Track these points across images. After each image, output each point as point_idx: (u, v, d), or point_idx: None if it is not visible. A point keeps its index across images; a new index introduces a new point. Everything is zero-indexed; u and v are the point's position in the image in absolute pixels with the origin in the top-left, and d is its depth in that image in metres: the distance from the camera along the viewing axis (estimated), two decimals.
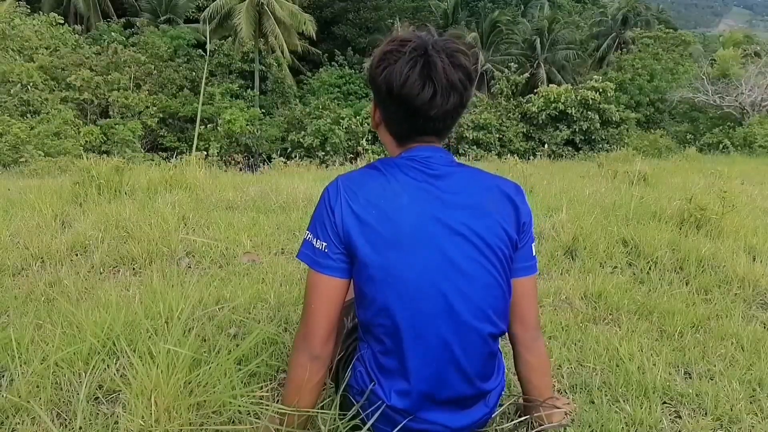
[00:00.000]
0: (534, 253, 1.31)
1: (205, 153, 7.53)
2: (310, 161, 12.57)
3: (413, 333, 1.17)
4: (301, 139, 19.25)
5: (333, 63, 32.40)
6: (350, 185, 1.20)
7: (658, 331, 2.08)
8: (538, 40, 32.31)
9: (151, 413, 1.23)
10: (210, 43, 23.51)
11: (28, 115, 16.15)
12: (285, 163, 9.59)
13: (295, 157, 15.48)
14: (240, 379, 1.38)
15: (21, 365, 1.53)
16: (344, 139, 18.75)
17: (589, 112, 19.14)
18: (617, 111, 19.61)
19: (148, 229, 2.84)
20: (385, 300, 1.16)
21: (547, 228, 3.22)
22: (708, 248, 2.89)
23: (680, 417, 1.54)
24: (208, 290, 2.12)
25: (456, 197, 1.20)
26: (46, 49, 19.56)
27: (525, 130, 19.99)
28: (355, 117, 19.53)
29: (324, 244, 1.19)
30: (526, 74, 22.87)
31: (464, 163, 1.32)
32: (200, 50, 25.86)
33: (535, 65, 31.18)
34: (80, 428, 1.33)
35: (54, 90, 17.84)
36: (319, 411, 1.26)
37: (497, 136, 19.26)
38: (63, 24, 22.03)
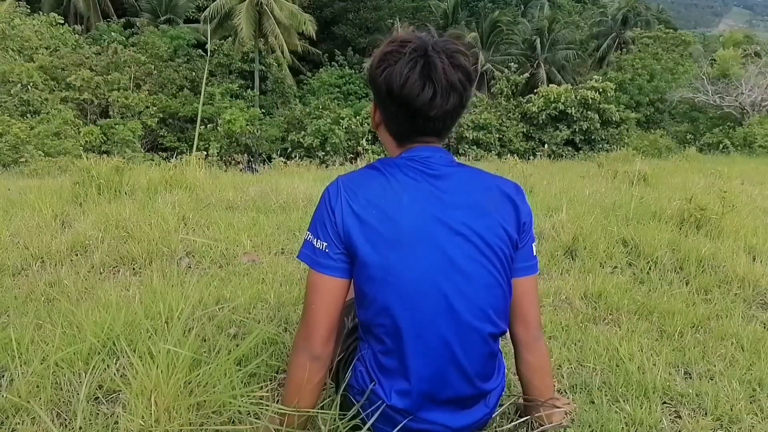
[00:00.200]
0: (534, 253, 1.31)
1: (205, 153, 7.53)
2: (310, 161, 12.57)
3: (414, 333, 1.17)
4: (301, 139, 19.25)
5: (333, 63, 32.41)
6: (351, 185, 1.20)
7: (658, 331, 2.08)
8: (538, 40, 32.31)
9: (151, 413, 1.23)
10: (210, 43, 23.52)
11: (28, 115, 16.14)
12: (285, 163, 9.58)
13: (295, 157, 15.46)
14: (240, 380, 1.38)
15: (21, 365, 1.53)
16: (344, 139, 18.74)
17: (589, 112, 19.13)
18: (617, 111, 19.60)
19: (148, 229, 2.84)
20: (385, 300, 1.17)
21: (547, 228, 3.22)
22: (708, 248, 2.89)
23: (680, 417, 1.54)
24: (208, 290, 2.12)
25: (456, 197, 1.20)
26: (46, 49, 19.56)
27: (525, 130, 19.98)
28: (355, 117, 19.51)
29: (324, 244, 1.19)
30: (526, 74, 22.87)
31: (464, 163, 1.32)
32: (200, 50, 25.87)
33: (535, 65, 31.19)
34: (80, 428, 1.33)
35: (54, 90, 17.83)
36: (320, 411, 1.26)
37: (497, 136, 19.25)
38: (63, 24, 22.04)
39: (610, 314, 2.23)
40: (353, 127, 19.05)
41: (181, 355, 1.29)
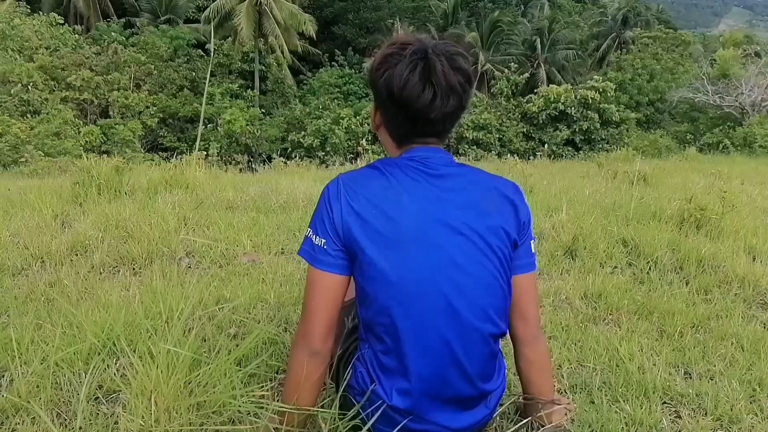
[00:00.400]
0: (533, 251, 1.31)
1: (205, 153, 7.52)
2: (310, 161, 12.54)
3: (414, 332, 1.17)
4: (301, 139, 19.25)
5: (333, 63, 32.41)
6: (351, 184, 1.21)
7: (658, 331, 2.08)
8: (538, 40, 32.32)
9: (151, 413, 1.23)
10: (211, 43, 23.53)
11: (28, 115, 16.13)
12: (285, 163, 9.57)
13: (295, 157, 15.45)
14: (240, 380, 1.38)
15: (21, 365, 1.53)
16: (344, 139, 18.74)
17: (589, 112, 19.13)
18: (617, 111, 19.60)
19: (148, 229, 2.84)
20: (385, 299, 1.17)
21: (547, 228, 3.22)
22: (708, 248, 2.89)
23: (680, 417, 1.54)
24: (208, 290, 2.12)
25: (456, 197, 1.20)
26: (46, 49, 19.56)
27: (525, 130, 19.97)
28: (355, 117, 19.51)
29: (323, 240, 1.20)
30: (526, 74, 22.86)
31: (464, 164, 1.33)
32: (200, 50, 25.86)
33: (535, 65, 31.19)
34: (80, 428, 1.33)
35: (54, 90, 17.82)
36: (320, 410, 1.26)
37: (497, 136, 19.24)
38: (63, 24, 22.05)
39: (610, 314, 2.23)
40: (353, 127, 19.05)
41: (181, 355, 1.29)
